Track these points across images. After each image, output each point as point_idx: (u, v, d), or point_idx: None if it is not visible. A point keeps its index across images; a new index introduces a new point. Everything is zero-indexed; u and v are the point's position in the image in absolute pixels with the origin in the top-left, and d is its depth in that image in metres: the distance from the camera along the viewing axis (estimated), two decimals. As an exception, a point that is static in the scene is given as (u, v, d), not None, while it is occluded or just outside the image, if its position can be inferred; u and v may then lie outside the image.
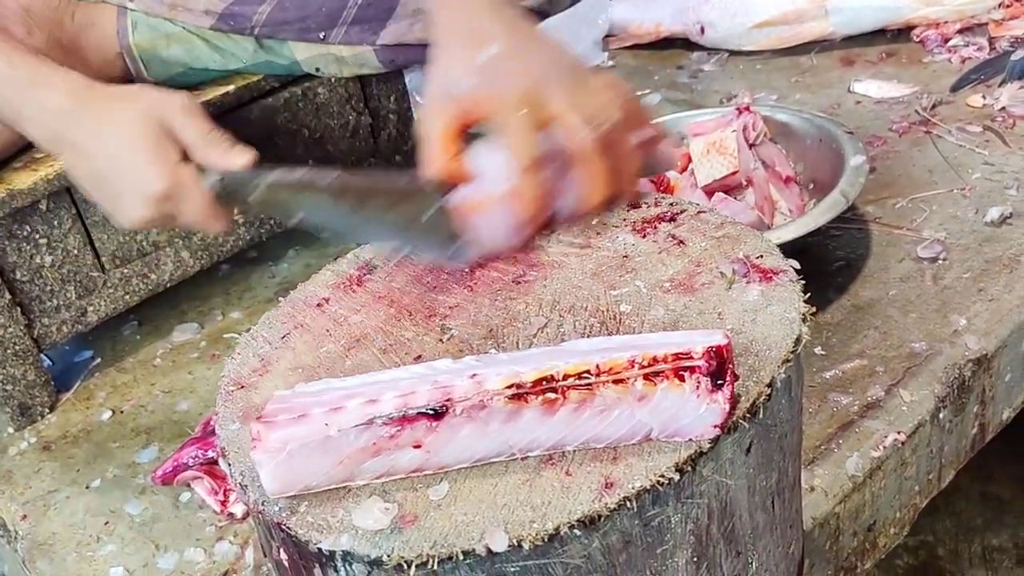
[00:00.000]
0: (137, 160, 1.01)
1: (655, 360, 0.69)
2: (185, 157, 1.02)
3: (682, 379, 0.69)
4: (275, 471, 0.72)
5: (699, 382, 0.69)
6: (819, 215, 1.29)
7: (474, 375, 0.71)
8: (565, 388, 0.70)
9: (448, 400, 0.70)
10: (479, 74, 0.94)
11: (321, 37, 1.38)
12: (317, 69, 1.44)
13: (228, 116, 1.48)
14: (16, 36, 1.27)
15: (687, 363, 0.69)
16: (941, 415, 1.17)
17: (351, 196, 0.94)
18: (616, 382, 0.69)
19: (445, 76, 0.97)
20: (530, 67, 0.93)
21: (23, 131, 1.13)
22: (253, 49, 1.43)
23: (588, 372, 0.70)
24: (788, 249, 0.88)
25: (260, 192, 0.97)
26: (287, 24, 1.38)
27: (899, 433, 1.12)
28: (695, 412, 0.70)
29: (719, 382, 0.69)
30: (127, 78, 1.46)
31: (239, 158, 1.00)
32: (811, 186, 1.45)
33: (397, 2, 1.35)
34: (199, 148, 1.01)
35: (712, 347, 0.68)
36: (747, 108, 1.47)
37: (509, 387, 0.70)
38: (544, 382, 0.70)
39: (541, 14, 1.39)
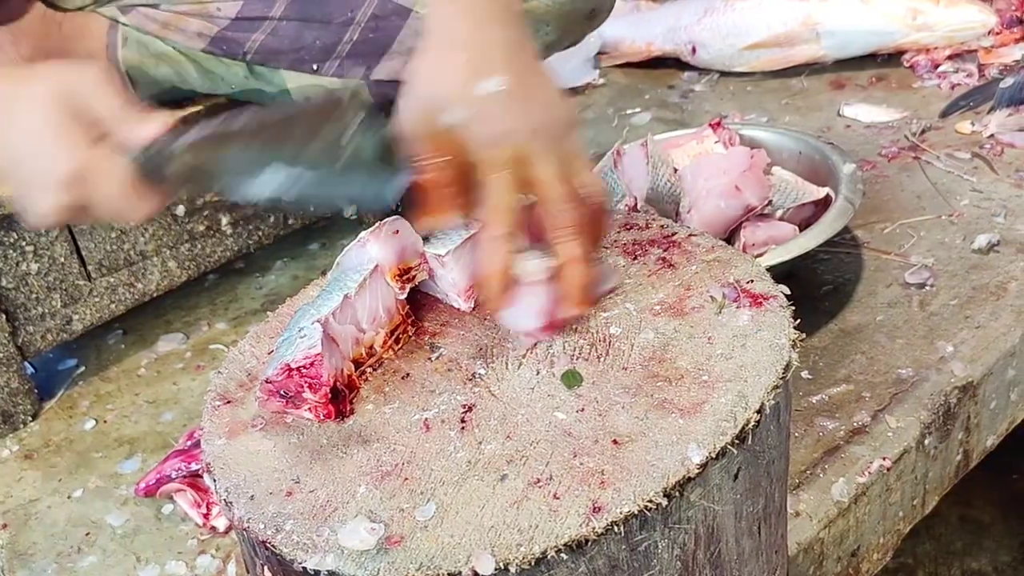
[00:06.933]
0: (42, 141, 0.89)
1: None
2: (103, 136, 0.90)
3: None
4: None
5: None
6: (830, 224, 1.29)
7: None
8: None
9: None
10: (475, 108, 0.86)
11: (314, 69, 1.37)
12: (307, 99, 1.42)
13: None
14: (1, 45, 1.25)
15: None
16: (926, 441, 1.17)
17: (268, 131, 0.85)
18: None
19: (434, 93, 0.89)
20: (526, 117, 0.87)
21: None
22: (243, 75, 1.41)
23: None
24: (777, 272, 0.89)
25: (179, 156, 0.87)
26: (281, 53, 1.37)
27: (884, 459, 1.13)
28: None
29: None
30: None
31: (153, 124, 0.88)
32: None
33: (393, 39, 1.33)
34: (112, 122, 0.89)
35: None
36: (719, 124, 1.48)
37: None
38: None
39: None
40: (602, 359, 0.82)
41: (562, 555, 0.68)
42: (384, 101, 1.42)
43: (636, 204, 1.35)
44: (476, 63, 0.88)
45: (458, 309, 0.90)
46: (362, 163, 0.84)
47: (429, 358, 0.86)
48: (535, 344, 0.84)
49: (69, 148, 0.89)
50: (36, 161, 0.90)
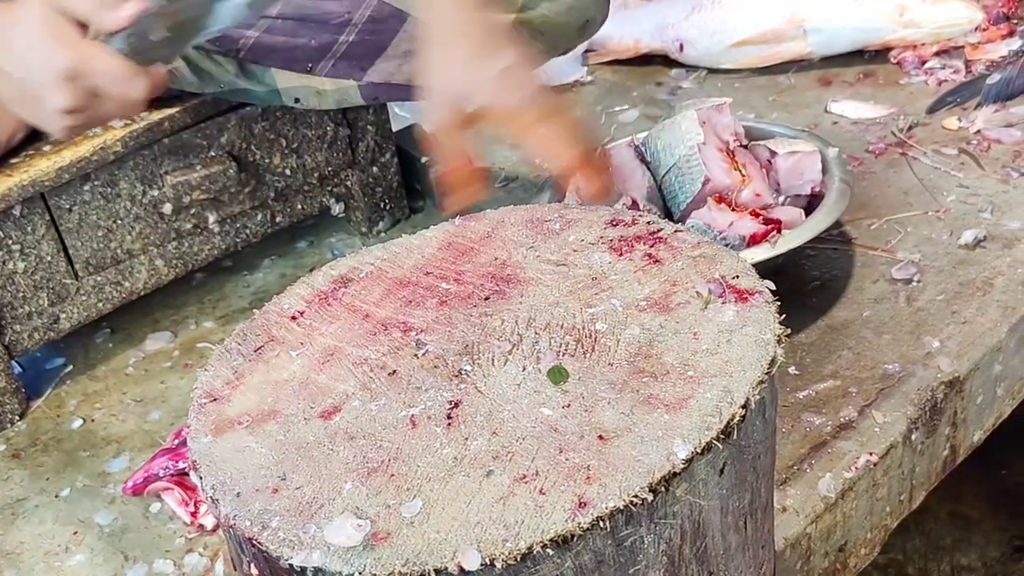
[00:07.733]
0: (40, 44, 1.03)
1: None
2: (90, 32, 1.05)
3: None
4: None
5: None
6: (834, 205, 1.30)
7: None
8: None
9: None
10: (492, 85, 1.05)
11: (308, 68, 1.37)
12: (296, 100, 1.42)
13: (206, 124, 1.48)
14: None
15: None
16: (913, 437, 1.17)
17: None
18: None
19: (452, 83, 1.06)
20: (530, 81, 1.05)
21: None
22: (235, 73, 1.41)
23: None
24: (765, 268, 0.89)
25: (157, 23, 1.03)
26: (275, 51, 1.37)
27: (871, 454, 1.13)
28: None
29: None
30: None
31: (128, 7, 1.03)
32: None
33: (389, 42, 1.34)
34: (94, 17, 1.03)
35: None
36: None
37: None
38: None
39: None
40: (588, 355, 0.82)
41: (548, 550, 0.68)
42: (376, 103, 1.43)
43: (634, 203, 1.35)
44: (477, 51, 1.05)
45: (445, 304, 0.90)
46: None
47: (415, 355, 0.86)
48: (520, 340, 0.84)
49: (63, 44, 1.03)
50: (38, 65, 1.04)
